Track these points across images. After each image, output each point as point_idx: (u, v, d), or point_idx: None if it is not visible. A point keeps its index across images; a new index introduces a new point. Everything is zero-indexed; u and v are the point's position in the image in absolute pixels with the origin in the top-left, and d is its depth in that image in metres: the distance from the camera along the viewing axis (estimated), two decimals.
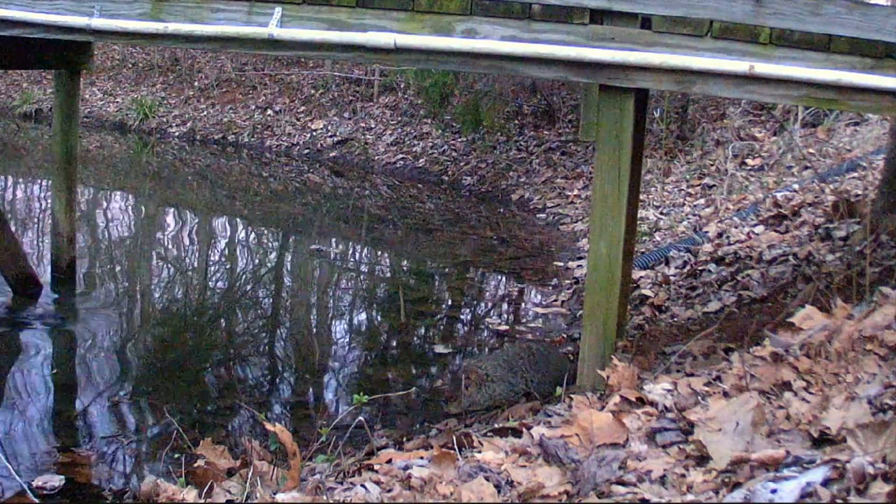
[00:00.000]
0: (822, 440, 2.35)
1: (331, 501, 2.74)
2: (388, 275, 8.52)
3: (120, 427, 4.46)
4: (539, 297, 7.49)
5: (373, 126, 14.75)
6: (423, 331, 6.50)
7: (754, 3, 3.71)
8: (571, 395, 3.80)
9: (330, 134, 14.83)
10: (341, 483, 2.98)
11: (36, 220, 9.39)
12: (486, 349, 5.97)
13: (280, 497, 2.76)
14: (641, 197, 6.83)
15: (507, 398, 4.37)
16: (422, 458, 3.14)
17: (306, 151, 14.60)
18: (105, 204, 11.04)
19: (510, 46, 3.93)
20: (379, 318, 6.87)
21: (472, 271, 8.46)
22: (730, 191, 8.33)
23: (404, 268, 8.73)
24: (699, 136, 10.69)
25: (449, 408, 4.55)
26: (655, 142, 10.80)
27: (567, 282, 7.55)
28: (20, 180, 12.23)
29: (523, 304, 7.32)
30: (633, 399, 3.12)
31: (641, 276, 6.60)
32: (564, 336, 6.05)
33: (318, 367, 5.46)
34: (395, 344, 6.22)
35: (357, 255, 9.31)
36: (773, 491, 1.98)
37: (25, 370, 5.15)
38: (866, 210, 5.56)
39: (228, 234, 9.87)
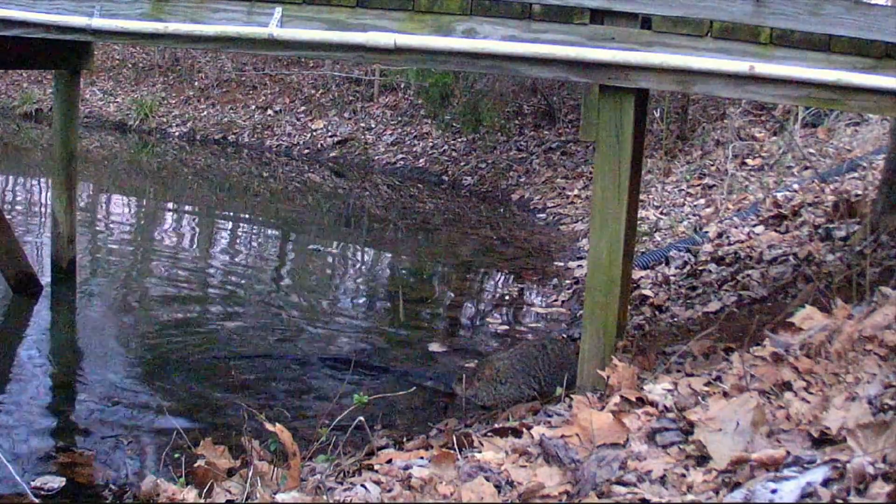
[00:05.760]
0: (822, 440, 2.35)
1: (331, 501, 2.74)
2: (388, 274, 8.52)
3: (120, 427, 4.45)
4: (539, 297, 7.49)
5: (373, 126, 14.75)
6: (422, 331, 6.49)
7: (754, 3, 3.71)
8: (571, 395, 3.81)
9: (330, 134, 14.84)
10: (341, 483, 2.98)
11: (36, 220, 9.39)
12: (493, 348, 5.97)
13: (280, 497, 2.76)
14: (641, 197, 6.85)
15: (515, 400, 4.37)
16: (422, 458, 3.15)
17: (306, 151, 14.60)
18: (105, 204, 11.04)
19: (510, 46, 3.93)
20: (378, 317, 6.86)
21: (472, 271, 8.46)
22: (730, 191, 8.34)
23: (404, 268, 8.72)
24: (699, 136, 10.70)
25: (455, 388, 4.56)
26: (655, 142, 10.81)
27: (567, 282, 7.55)
28: (20, 180, 12.23)
29: (523, 304, 7.32)
30: (634, 399, 3.12)
31: (641, 276, 6.61)
32: (564, 336, 6.05)
33: (318, 366, 5.46)
34: (394, 344, 6.22)
35: (357, 255, 9.31)
36: (774, 491, 1.98)
37: (25, 370, 5.15)
38: (866, 210, 5.57)
39: (228, 234, 9.87)
